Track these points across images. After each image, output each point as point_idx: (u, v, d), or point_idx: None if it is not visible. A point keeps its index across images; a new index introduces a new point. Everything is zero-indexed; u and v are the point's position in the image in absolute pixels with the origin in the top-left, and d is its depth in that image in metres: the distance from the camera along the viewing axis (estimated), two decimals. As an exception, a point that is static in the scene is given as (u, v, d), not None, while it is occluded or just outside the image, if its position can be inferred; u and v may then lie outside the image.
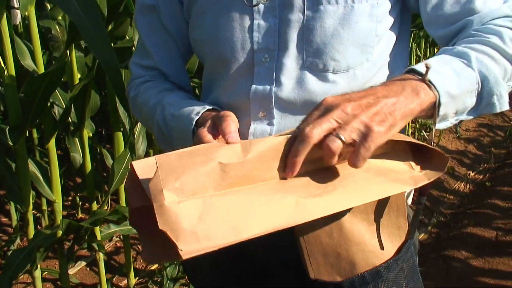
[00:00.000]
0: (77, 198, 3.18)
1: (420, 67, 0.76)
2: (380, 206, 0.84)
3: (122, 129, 1.90)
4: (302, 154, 0.67)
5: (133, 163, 0.65)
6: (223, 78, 0.95)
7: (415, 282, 0.89)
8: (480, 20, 0.87)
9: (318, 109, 0.70)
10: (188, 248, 0.59)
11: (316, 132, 0.67)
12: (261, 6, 0.89)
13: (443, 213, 3.50)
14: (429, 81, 0.75)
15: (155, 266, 2.75)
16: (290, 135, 0.70)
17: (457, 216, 3.43)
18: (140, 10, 1.07)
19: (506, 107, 0.83)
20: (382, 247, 0.84)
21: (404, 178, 0.76)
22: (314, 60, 0.88)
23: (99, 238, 1.97)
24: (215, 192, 0.65)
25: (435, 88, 0.75)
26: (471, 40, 0.84)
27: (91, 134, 1.96)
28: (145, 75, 1.09)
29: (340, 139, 0.66)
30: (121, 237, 2.86)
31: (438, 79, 0.75)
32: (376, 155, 0.76)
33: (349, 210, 0.80)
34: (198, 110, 0.90)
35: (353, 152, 0.67)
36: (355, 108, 0.68)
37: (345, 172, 0.73)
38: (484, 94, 0.81)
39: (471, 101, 0.81)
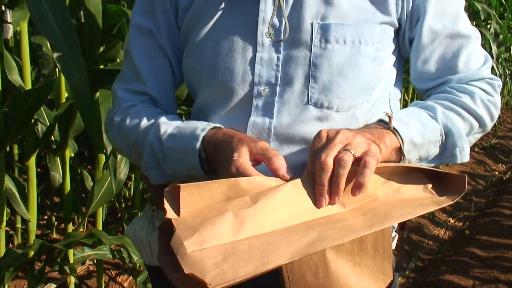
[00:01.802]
0: (53, 218, 3.11)
1: (384, 117, 0.85)
2: (367, 248, 0.82)
3: (104, 151, 1.87)
4: (327, 181, 0.74)
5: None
6: (219, 107, 0.94)
7: None
8: (459, 80, 0.95)
9: (319, 141, 0.78)
10: (216, 282, 0.63)
11: (332, 158, 0.74)
12: (266, 40, 0.89)
13: (421, 258, 3.48)
14: (394, 129, 0.84)
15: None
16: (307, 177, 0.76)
17: (435, 262, 3.42)
18: (135, 32, 1.03)
19: (466, 159, 0.91)
20: None
21: (426, 203, 0.79)
22: (320, 97, 0.89)
23: (71, 261, 1.92)
24: (234, 239, 0.69)
25: (400, 135, 0.83)
26: (443, 97, 0.94)
27: (73, 154, 1.93)
28: (134, 99, 1.04)
29: (351, 152, 0.74)
30: (94, 261, 2.80)
31: (403, 128, 0.84)
32: (395, 190, 0.80)
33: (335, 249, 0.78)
34: (203, 127, 0.88)
35: (362, 164, 0.75)
36: (351, 133, 0.78)
37: (366, 210, 0.77)
38: (448, 145, 0.90)
39: (435, 150, 0.90)
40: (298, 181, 0.76)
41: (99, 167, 1.91)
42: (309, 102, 0.89)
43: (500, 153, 6.23)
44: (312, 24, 0.88)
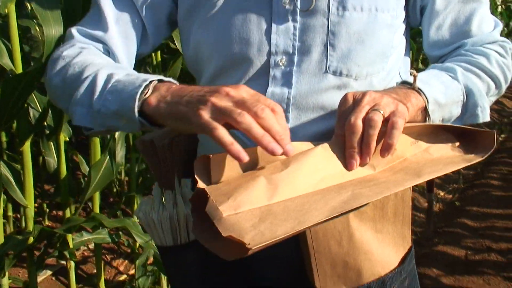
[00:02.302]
0: (44, 205, 3.08)
1: (410, 78, 0.86)
2: (388, 215, 0.82)
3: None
4: (357, 144, 0.75)
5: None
6: (233, 80, 0.91)
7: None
8: (473, 43, 0.96)
9: (346, 103, 0.78)
10: (255, 242, 0.63)
11: (361, 120, 0.75)
12: (282, 9, 0.88)
13: (414, 231, 3.52)
14: (419, 89, 0.84)
15: (123, 277, 2.69)
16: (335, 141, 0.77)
17: (428, 235, 3.46)
18: None
19: (488, 118, 0.93)
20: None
21: (457, 161, 0.80)
22: (339, 65, 0.88)
23: (71, 246, 1.90)
24: (269, 202, 0.69)
25: (424, 95, 0.84)
26: (460, 59, 0.95)
27: (67, 139, 1.90)
28: (91, 44, 0.95)
29: (380, 112, 0.75)
30: (88, 246, 2.79)
31: (426, 88, 0.85)
32: (423, 150, 0.81)
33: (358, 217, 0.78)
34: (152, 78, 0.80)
35: (390, 125, 0.75)
36: (378, 94, 0.78)
37: (396, 170, 0.77)
38: (469, 105, 0.91)
39: (457, 111, 0.91)
40: (326, 145, 0.75)
41: (94, 151, 1.88)
42: (328, 71, 0.88)
43: (486, 125, 6.30)
44: None
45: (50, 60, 0.95)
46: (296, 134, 0.87)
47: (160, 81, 0.80)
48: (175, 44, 2.07)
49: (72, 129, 2.03)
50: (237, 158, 0.67)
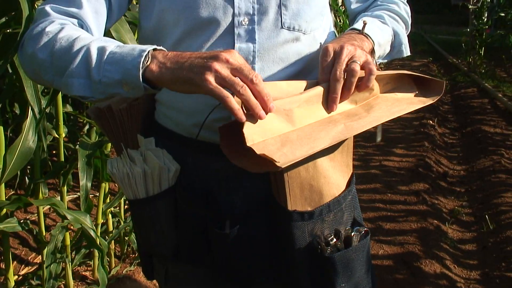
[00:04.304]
0: None
1: (358, 25, 1.10)
2: (337, 145, 1.02)
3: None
4: (339, 91, 0.96)
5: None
6: (200, 41, 1.04)
7: (357, 206, 1.15)
8: None
9: (328, 55, 0.99)
10: (282, 160, 0.85)
11: (343, 70, 0.96)
12: None
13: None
14: (366, 34, 1.08)
15: (33, 269, 2.63)
16: (322, 85, 0.97)
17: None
18: None
19: (409, 53, 1.22)
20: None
21: (415, 101, 1.04)
22: (291, 21, 1.06)
23: (-18, 236, 1.86)
24: (286, 131, 0.91)
25: (371, 39, 1.09)
26: (380, 8, 1.23)
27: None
28: (67, 20, 1.02)
29: (357, 63, 0.98)
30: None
31: (371, 33, 1.09)
32: (389, 90, 1.04)
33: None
34: (148, 48, 0.92)
35: (367, 72, 0.98)
36: (352, 47, 1.00)
37: (372, 104, 1.00)
38: (396, 43, 1.20)
39: (388, 49, 1.18)
40: (319, 89, 0.97)
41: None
42: (283, 27, 1.06)
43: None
44: None
45: (29, 36, 1.01)
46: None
47: (154, 49, 0.93)
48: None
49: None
50: (240, 120, 0.87)
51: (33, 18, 1.10)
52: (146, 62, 0.90)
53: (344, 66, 0.97)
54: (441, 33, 14.92)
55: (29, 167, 3.08)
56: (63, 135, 2.12)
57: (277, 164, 0.84)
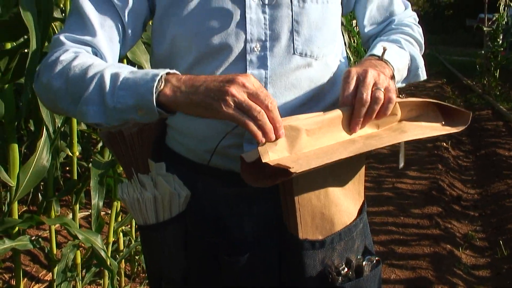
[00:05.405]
0: None
1: (377, 51, 1.09)
2: (349, 174, 1.02)
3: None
4: (363, 115, 0.96)
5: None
6: (212, 66, 1.04)
7: (369, 234, 1.15)
8: (399, 19, 1.25)
9: (351, 80, 0.97)
10: (296, 169, 0.84)
11: (369, 96, 0.96)
12: (252, 4, 1.04)
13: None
14: (386, 60, 1.07)
15: (44, 286, 2.64)
16: (343, 109, 0.97)
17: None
18: None
19: (425, 76, 1.21)
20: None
21: (439, 129, 1.03)
22: (303, 47, 1.07)
23: (-6, 253, 1.86)
24: (304, 151, 0.91)
25: (391, 65, 1.08)
26: (395, 32, 1.21)
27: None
28: (81, 48, 1.03)
29: (381, 90, 0.96)
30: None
31: (390, 59, 1.09)
32: (414, 117, 1.03)
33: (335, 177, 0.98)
34: (161, 72, 0.92)
35: (386, 101, 0.97)
36: (375, 72, 0.98)
37: (395, 129, 0.99)
38: (412, 67, 1.19)
39: (406, 73, 1.18)
40: (339, 112, 0.96)
41: (12, 157, 1.87)
42: (295, 53, 1.06)
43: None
44: None
45: (43, 65, 1.02)
46: None
47: (167, 73, 0.93)
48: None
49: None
50: (260, 141, 0.87)
51: (46, 39, 1.10)
52: (160, 86, 0.90)
53: (370, 90, 0.96)
54: (455, 54, 14.93)
55: (42, 183, 3.10)
56: (77, 153, 2.14)
57: (291, 170, 0.83)
